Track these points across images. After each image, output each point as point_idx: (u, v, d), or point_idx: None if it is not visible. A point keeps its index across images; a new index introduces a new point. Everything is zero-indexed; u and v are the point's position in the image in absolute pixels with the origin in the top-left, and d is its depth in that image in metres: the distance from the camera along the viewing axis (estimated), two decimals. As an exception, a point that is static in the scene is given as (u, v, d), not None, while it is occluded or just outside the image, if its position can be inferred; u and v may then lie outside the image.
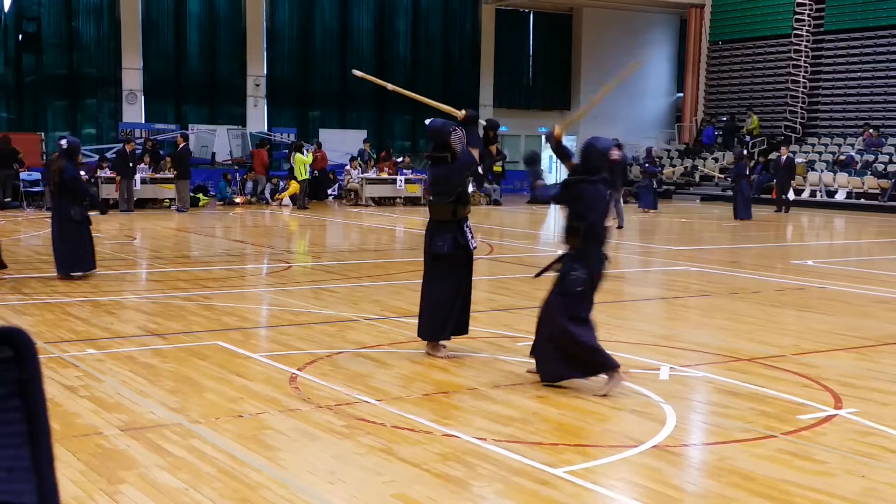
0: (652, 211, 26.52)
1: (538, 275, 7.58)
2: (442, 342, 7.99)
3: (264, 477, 5.01)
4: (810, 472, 5.20)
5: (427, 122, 8.29)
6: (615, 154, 7.20)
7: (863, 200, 28.75)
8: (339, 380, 7.10)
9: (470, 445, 5.56)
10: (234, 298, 10.97)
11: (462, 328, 8.06)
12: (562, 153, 7.33)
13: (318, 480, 4.98)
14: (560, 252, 7.10)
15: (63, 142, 12.44)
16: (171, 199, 25.49)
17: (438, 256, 7.86)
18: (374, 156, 30.30)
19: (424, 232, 8.07)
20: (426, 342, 8.01)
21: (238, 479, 4.96)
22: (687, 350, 8.43)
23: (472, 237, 8.01)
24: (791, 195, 28.13)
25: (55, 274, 12.07)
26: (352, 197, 28.59)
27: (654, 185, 28.38)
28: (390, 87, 9.28)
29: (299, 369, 7.37)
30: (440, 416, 6.17)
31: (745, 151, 28.08)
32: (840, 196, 29.51)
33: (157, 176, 25.84)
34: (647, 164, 28.55)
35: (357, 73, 9.91)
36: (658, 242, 19.22)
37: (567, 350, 6.87)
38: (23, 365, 0.87)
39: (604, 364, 6.86)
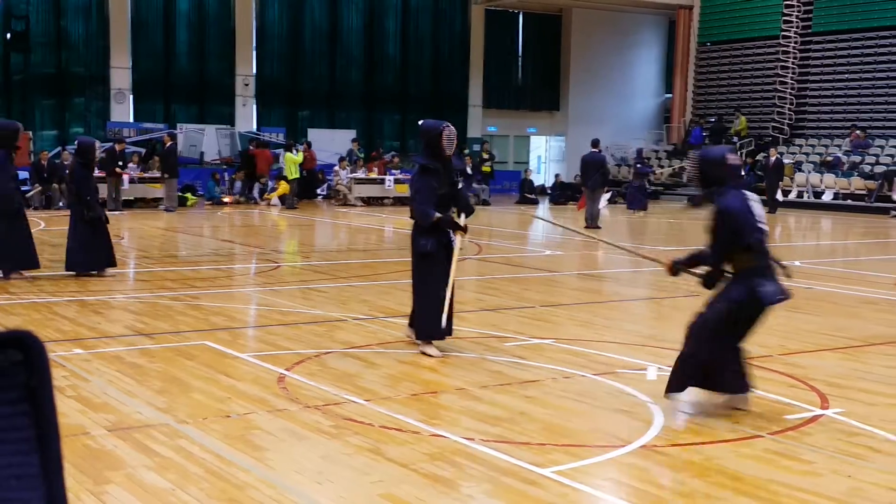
0: (640, 212, 26.58)
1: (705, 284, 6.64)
2: (434, 342, 7.98)
3: (252, 477, 5.00)
4: (797, 472, 5.22)
5: (420, 122, 8.34)
6: (732, 158, 6.59)
7: (849, 201, 28.86)
8: (327, 380, 7.10)
9: (458, 445, 5.57)
10: (222, 298, 10.95)
11: (448, 329, 8.05)
12: (693, 263, 6.74)
13: (305, 480, 4.98)
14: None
15: (78, 141, 12.57)
16: (158, 200, 25.43)
17: (424, 256, 7.87)
18: (363, 156, 30.28)
19: (411, 232, 8.09)
20: (420, 341, 8.01)
21: (225, 480, 4.96)
22: (674, 350, 8.41)
23: (454, 238, 8.00)
24: (779, 196, 28.24)
25: (43, 272, 12.04)
26: (340, 197, 28.57)
27: (646, 186, 28.53)
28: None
29: (287, 369, 7.37)
30: (428, 416, 6.17)
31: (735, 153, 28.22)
32: (827, 197, 29.61)
33: (146, 175, 25.78)
34: (639, 165, 28.66)
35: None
36: (646, 243, 19.25)
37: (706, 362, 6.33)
38: (32, 370, 0.86)
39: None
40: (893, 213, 26.54)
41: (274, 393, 6.70)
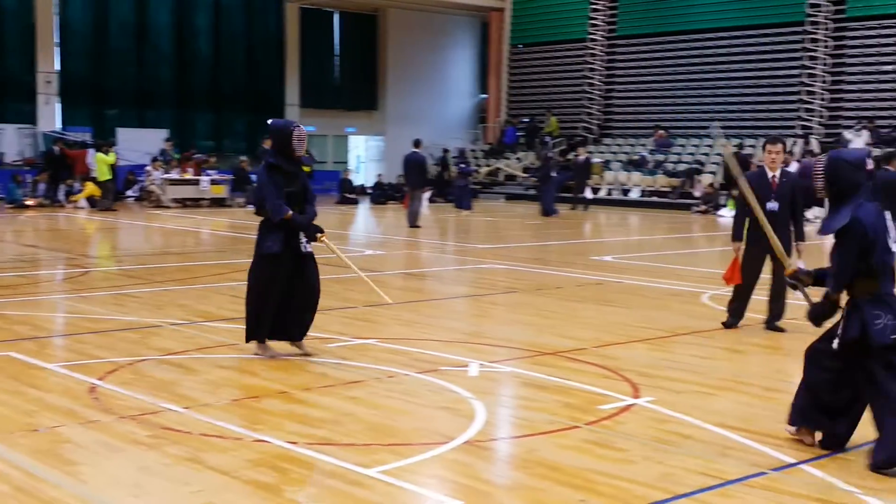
0: (466, 212, 26.97)
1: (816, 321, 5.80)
2: (268, 343, 7.84)
3: (62, 493, 4.76)
4: (611, 460, 5.42)
5: (269, 121, 8.15)
6: (871, 163, 5.74)
7: (655, 198, 30.28)
8: (143, 388, 6.85)
9: (281, 450, 5.48)
10: (27, 306, 10.39)
11: (284, 332, 7.87)
12: (821, 281, 5.77)
13: (121, 494, 4.79)
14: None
15: None
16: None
17: (266, 256, 7.68)
18: (178, 156, 29.47)
19: (257, 230, 7.86)
20: (254, 343, 7.86)
21: (35, 496, 4.70)
22: (495, 346, 8.62)
23: (306, 241, 7.80)
24: (588, 194, 29.34)
25: None
26: (154, 198, 27.68)
27: (470, 186, 29.04)
28: None
29: (100, 379, 7.06)
30: (250, 422, 6.05)
31: (550, 153, 29.19)
32: (634, 194, 30.97)
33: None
34: (462, 165, 29.14)
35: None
36: (466, 241, 19.58)
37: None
38: None
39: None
40: (695, 208, 28.01)
41: (85, 404, 6.40)
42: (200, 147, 32.16)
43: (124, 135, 30.69)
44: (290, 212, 7.64)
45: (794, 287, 5.98)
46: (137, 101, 32.67)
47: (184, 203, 27.62)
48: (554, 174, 27.11)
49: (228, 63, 34.52)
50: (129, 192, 29.36)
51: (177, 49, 33.36)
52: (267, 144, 26.39)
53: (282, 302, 7.75)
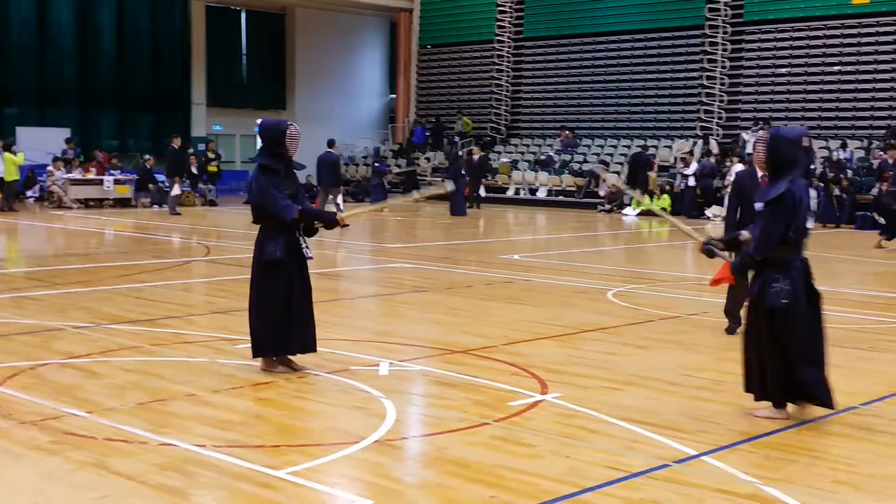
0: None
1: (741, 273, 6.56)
2: (276, 357, 7.45)
3: (-39, 503, 4.63)
4: (521, 456, 5.50)
5: (259, 121, 7.83)
6: (806, 141, 6.35)
7: (561, 197, 30.72)
8: (45, 393, 6.69)
9: (188, 453, 5.42)
10: (-80, 311, 10.04)
11: (287, 345, 7.44)
12: (734, 245, 6.52)
13: (23, 501, 4.68)
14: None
15: None
16: None
17: (272, 264, 7.30)
18: (81, 157, 28.76)
19: (256, 239, 7.47)
20: (261, 359, 7.47)
21: (-70, 508, 4.56)
22: (405, 345, 8.65)
23: (307, 245, 7.46)
24: (482, 192, 29.88)
25: None
26: (55, 199, 26.97)
27: (384, 184, 29.11)
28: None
29: (-1, 385, 6.87)
30: (156, 425, 5.96)
31: (460, 153, 29.46)
32: (541, 193, 31.37)
33: None
34: (377, 164, 29.11)
35: None
36: (376, 241, 19.55)
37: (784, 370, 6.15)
38: None
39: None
40: (601, 208, 28.48)
41: (-16, 411, 6.22)
42: (104, 147, 31.43)
43: (24, 134, 29.82)
44: (300, 208, 7.32)
45: (711, 254, 6.54)
46: (39, 100, 31.77)
47: (86, 203, 26.99)
48: (464, 174, 27.37)
49: (133, 61, 33.78)
50: (28, 193, 28.56)
51: (79, 46, 32.52)
52: (176, 143, 26.03)
53: (289, 312, 7.33)
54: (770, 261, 6.08)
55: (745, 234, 6.41)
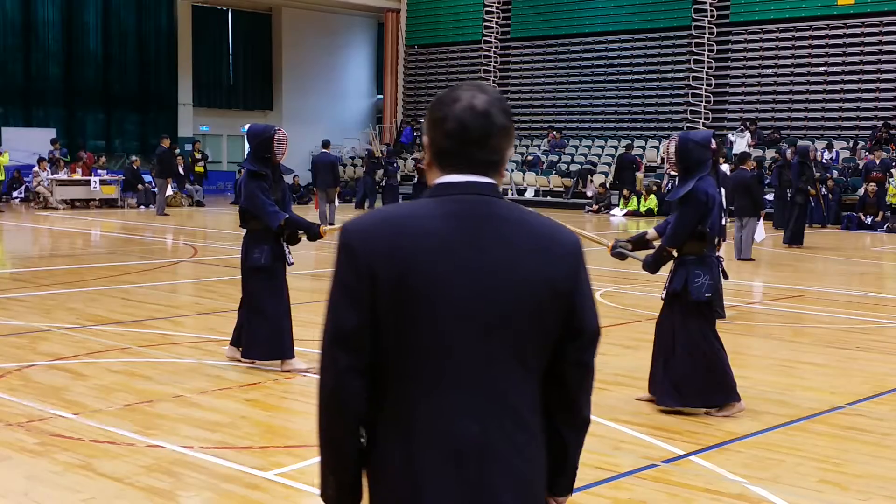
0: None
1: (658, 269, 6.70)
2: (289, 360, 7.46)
3: (-53, 505, 4.61)
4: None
5: (246, 126, 7.84)
6: (715, 142, 6.64)
7: (549, 198, 30.75)
8: (31, 394, 6.65)
9: (176, 455, 5.40)
10: None
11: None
12: (642, 244, 6.79)
13: (9, 503, 4.66)
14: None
15: None
16: None
17: (258, 270, 7.34)
18: (68, 158, 28.64)
19: (242, 245, 7.50)
20: (280, 361, 7.46)
21: (-85, 511, 4.54)
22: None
23: (289, 252, 7.50)
24: None
25: None
26: (41, 200, 26.86)
27: (399, 185, 29.17)
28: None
29: (-15, 386, 6.83)
30: (143, 427, 5.94)
31: (391, 148, 29.74)
32: (529, 194, 31.39)
33: None
34: (393, 164, 28.99)
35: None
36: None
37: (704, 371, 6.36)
38: None
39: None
40: (588, 208, 28.53)
41: (-30, 413, 6.19)
42: (90, 147, 31.30)
43: (9, 134, 29.69)
44: (286, 216, 7.36)
45: (623, 256, 6.80)
46: (24, 100, 31.62)
47: (73, 204, 26.88)
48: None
49: (119, 61, 33.66)
50: (14, 194, 28.44)
51: (65, 46, 32.38)
52: (165, 144, 25.95)
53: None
54: (688, 257, 6.35)
55: (651, 233, 6.73)
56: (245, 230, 7.51)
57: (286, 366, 7.48)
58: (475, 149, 2.16)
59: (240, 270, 7.61)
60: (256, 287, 7.42)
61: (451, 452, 2.05)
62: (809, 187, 18.74)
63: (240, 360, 7.62)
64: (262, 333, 7.40)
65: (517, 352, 2.10)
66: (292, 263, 7.57)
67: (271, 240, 7.37)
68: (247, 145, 7.69)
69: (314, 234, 7.55)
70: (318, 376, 2.17)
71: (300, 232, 7.55)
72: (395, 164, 29.12)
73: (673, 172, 6.69)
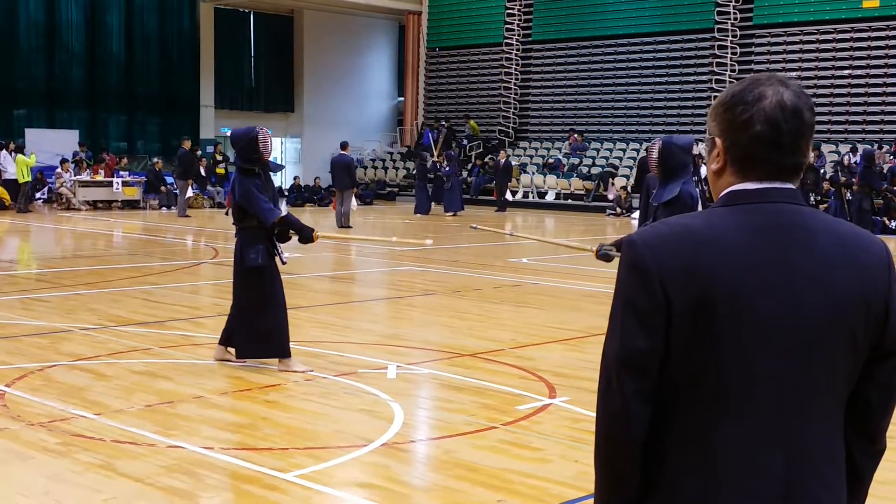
0: (451, 214, 27.14)
1: None
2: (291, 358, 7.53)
3: (-31, 504, 4.64)
4: (528, 460, 5.48)
5: (229, 132, 7.91)
6: (697, 148, 7.12)
7: (570, 201, 30.68)
8: (53, 394, 6.69)
9: (196, 455, 5.41)
10: (-71, 312, 10.06)
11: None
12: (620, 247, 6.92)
13: (31, 503, 4.68)
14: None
15: None
16: None
17: (254, 270, 7.37)
18: (91, 160, 28.83)
19: (236, 244, 7.54)
20: (279, 360, 7.53)
21: (-62, 509, 4.57)
22: (413, 348, 8.64)
23: (281, 250, 7.56)
24: (508, 195, 29.74)
25: None
26: (64, 201, 27.04)
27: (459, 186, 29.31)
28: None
29: (7, 385, 6.88)
30: (164, 427, 5.96)
31: (454, 153, 29.76)
32: (550, 197, 31.33)
33: None
34: (446, 167, 29.04)
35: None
36: (384, 243, 19.53)
37: None
38: None
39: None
40: (609, 211, 28.44)
41: (-8, 412, 6.23)
42: (113, 149, 31.50)
43: (32, 135, 29.91)
44: (282, 214, 7.42)
45: (608, 258, 6.79)
46: (47, 102, 31.87)
47: (95, 205, 27.05)
48: (433, 175, 27.83)
49: (141, 63, 33.87)
50: (37, 195, 28.65)
51: (88, 48, 32.61)
52: (186, 145, 26.08)
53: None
54: None
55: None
56: (237, 229, 7.57)
57: (283, 365, 7.51)
58: (787, 153, 1.94)
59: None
60: (253, 286, 7.47)
61: (755, 488, 1.88)
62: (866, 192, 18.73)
63: (229, 360, 7.65)
64: (259, 332, 7.45)
65: (827, 377, 1.91)
66: (286, 262, 7.65)
67: (265, 239, 7.44)
68: (234, 151, 7.75)
69: (307, 236, 7.58)
70: (598, 402, 2.08)
71: (291, 231, 7.59)
72: (453, 169, 28.77)
73: (655, 175, 6.96)
